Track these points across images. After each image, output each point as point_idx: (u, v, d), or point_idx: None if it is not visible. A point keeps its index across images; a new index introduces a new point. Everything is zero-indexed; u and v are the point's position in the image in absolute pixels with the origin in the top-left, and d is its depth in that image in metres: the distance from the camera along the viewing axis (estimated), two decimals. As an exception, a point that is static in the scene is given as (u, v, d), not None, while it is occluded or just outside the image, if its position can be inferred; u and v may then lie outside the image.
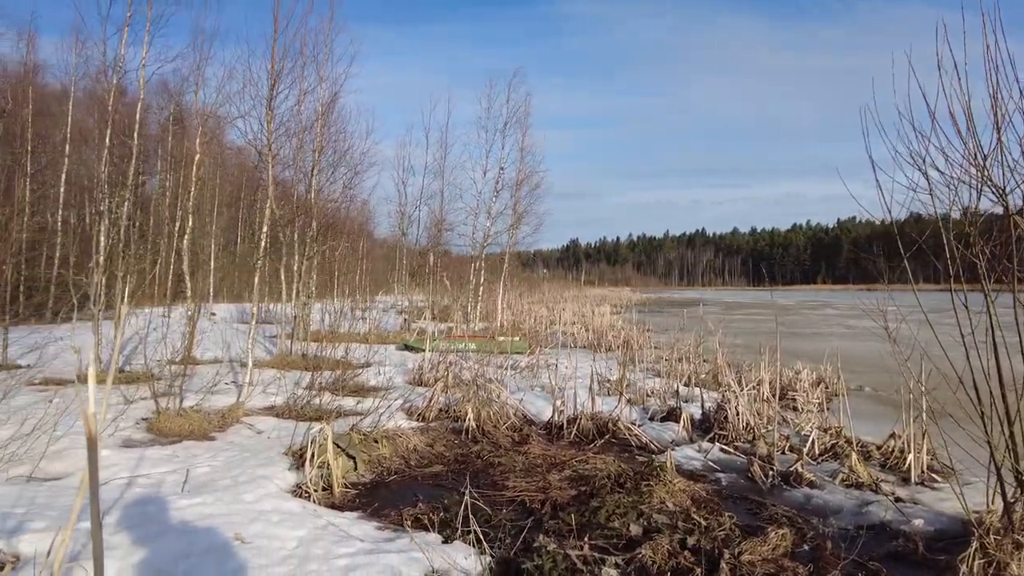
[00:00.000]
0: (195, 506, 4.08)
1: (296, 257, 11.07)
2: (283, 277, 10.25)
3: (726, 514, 4.44)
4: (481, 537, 3.57)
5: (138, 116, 9.64)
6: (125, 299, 7.06)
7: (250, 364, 7.89)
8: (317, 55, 11.33)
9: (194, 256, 10.55)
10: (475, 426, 6.70)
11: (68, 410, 6.65)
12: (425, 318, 14.17)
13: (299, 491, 4.67)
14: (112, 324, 9.76)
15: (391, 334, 16.51)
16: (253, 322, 8.53)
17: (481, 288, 17.04)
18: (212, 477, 4.79)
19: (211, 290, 19.19)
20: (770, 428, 6.98)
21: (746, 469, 5.73)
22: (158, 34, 9.69)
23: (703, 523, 4.23)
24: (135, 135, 9.37)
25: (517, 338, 14.23)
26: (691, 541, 3.90)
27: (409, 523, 4.17)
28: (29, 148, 19.26)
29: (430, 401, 7.27)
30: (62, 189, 19.16)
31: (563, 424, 6.83)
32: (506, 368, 9.21)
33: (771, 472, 5.52)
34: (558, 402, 7.04)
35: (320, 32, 11.45)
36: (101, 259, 8.66)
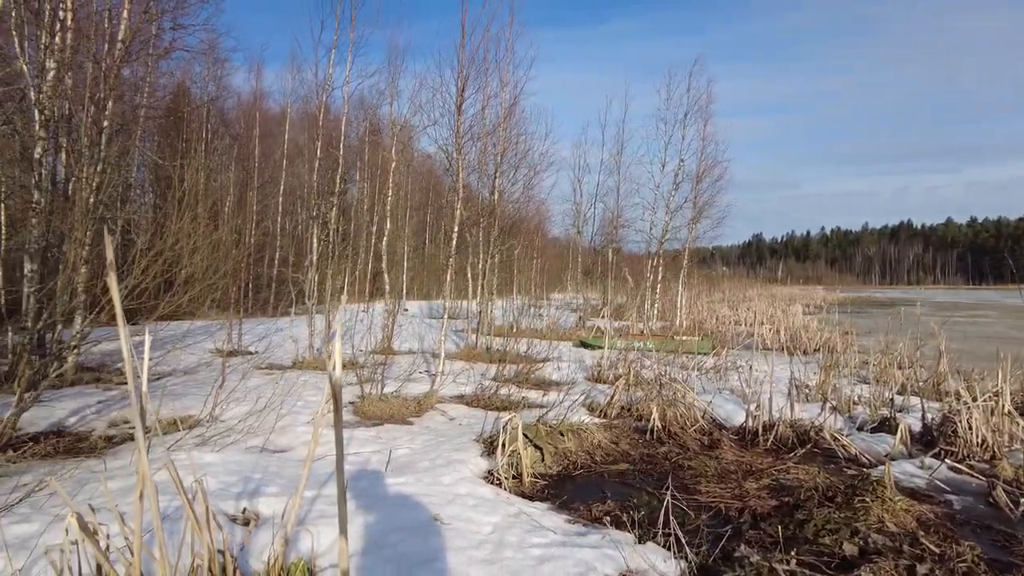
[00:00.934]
0: (399, 485, 4.36)
1: (480, 256, 11.54)
2: (469, 275, 10.75)
3: (965, 543, 3.82)
4: (683, 541, 3.40)
5: (343, 129, 10.66)
6: (344, 293, 7.75)
7: (442, 356, 8.35)
8: (499, 61, 11.70)
9: (391, 256, 11.43)
10: (660, 426, 6.48)
11: (291, 391, 7.52)
12: (603, 316, 14.06)
13: (491, 477, 4.81)
14: (322, 317, 10.89)
15: (566, 331, 16.66)
16: (445, 317, 9.02)
17: (658, 286, 16.55)
18: (412, 459, 5.10)
19: (404, 288, 20.73)
20: (1015, 447, 5.94)
21: (986, 493, 4.92)
22: (359, 54, 10.63)
23: (935, 550, 3.68)
24: (340, 147, 10.37)
25: (699, 338, 13.63)
26: (922, 570, 3.41)
27: (599, 519, 4.11)
28: (256, 165, 22.23)
29: (612, 398, 7.16)
30: (280, 199, 21.83)
31: (758, 430, 6.36)
32: (690, 369, 8.81)
33: (1022, 500, 4.68)
34: (751, 406, 6.57)
35: (501, 39, 11.82)
36: (314, 259, 9.69)
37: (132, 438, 5.88)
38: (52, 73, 7.97)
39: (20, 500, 3.98)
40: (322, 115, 10.23)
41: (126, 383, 8.25)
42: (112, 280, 1.75)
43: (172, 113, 19.81)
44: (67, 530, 2.62)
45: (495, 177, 11.19)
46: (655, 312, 16.39)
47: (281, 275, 13.99)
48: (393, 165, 10.52)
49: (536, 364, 9.56)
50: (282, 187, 20.24)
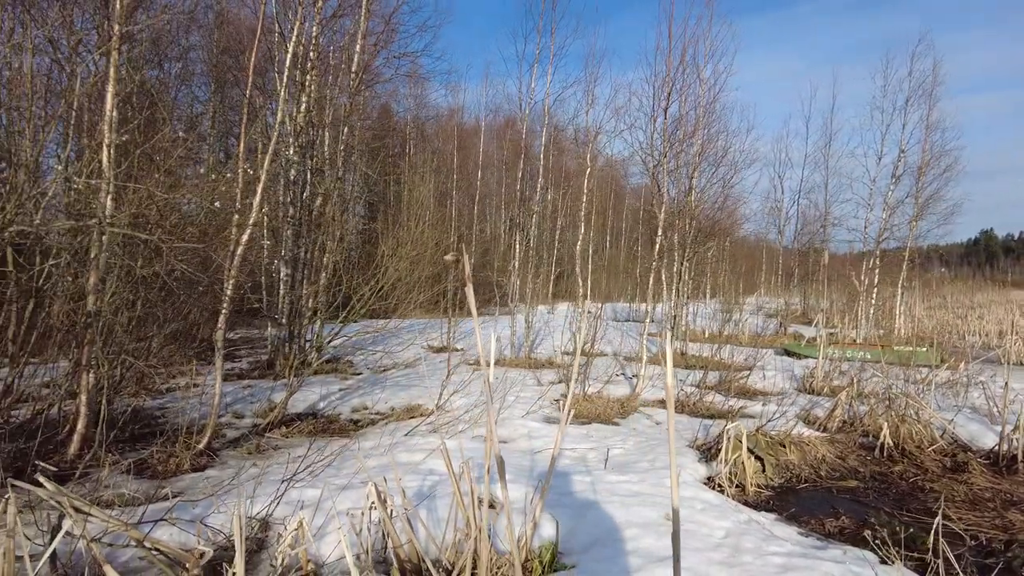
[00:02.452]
0: (622, 483, 4.49)
1: (676, 259, 11.37)
2: (664, 277, 10.66)
3: None
4: (958, 568, 3.14)
5: (543, 138, 11.11)
6: (542, 295, 8.12)
7: (644, 360, 8.38)
8: (697, 58, 11.46)
9: (584, 260, 11.69)
10: (891, 443, 5.95)
11: (498, 387, 7.99)
12: (817, 323, 13.08)
13: (711, 483, 4.77)
14: (518, 318, 11.43)
15: (766, 337, 15.78)
16: (647, 322, 9.05)
17: (875, 289, 15.02)
18: (627, 459, 5.21)
19: (587, 290, 21.02)
20: None
21: None
22: (560, 64, 11.00)
23: None
24: (540, 156, 10.83)
25: (923, 348, 12.19)
26: None
27: (833, 535, 3.92)
28: (454, 177, 23.86)
29: (832, 411, 6.70)
30: (475, 207, 23.23)
31: (1016, 455, 5.59)
32: (922, 383, 7.95)
33: None
34: (1007, 428, 5.79)
35: (700, 36, 11.56)
36: (516, 264, 10.23)
37: (374, 422, 6.67)
38: (304, 105, 9.26)
39: (321, 469, 4.69)
40: (524, 127, 10.79)
41: (359, 374, 9.28)
42: (469, 290, 2.06)
43: (379, 131, 21.96)
44: (368, 496, 3.10)
45: (692, 177, 10.98)
46: (870, 319, 14.92)
47: (487, 278, 14.91)
48: (588, 171, 10.73)
49: (740, 371, 9.22)
50: (476, 195, 21.56)
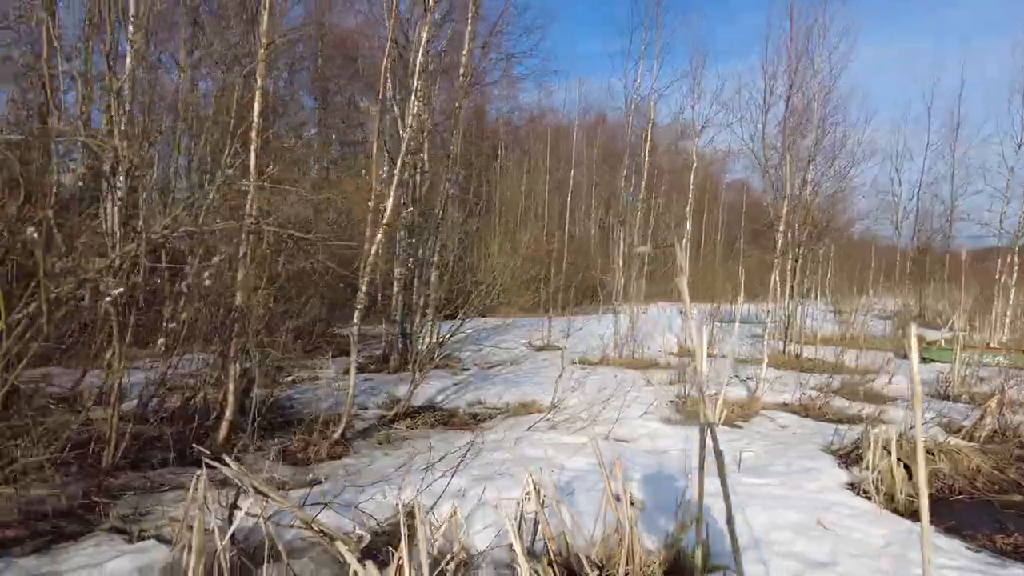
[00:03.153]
0: (761, 486, 4.34)
1: (789, 257, 10.89)
2: (776, 276, 10.23)
3: None
4: None
5: (648, 134, 10.94)
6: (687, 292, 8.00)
7: (765, 362, 8.09)
8: (809, 46, 10.92)
9: (688, 258, 11.43)
10: (1056, 456, 5.44)
11: (607, 385, 7.92)
12: (952, 325, 12.13)
13: (855, 489, 4.53)
14: (622, 317, 11.30)
15: (879, 339, 14.82)
16: (768, 321, 8.74)
17: (1012, 289, 13.77)
18: (760, 462, 5.04)
19: (687, 290, 20.43)
20: None
21: None
22: (666, 59, 10.81)
23: None
24: (644, 152, 10.67)
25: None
26: None
27: (1008, 553, 3.63)
28: (547, 176, 23.92)
29: (980, 419, 6.21)
30: (567, 206, 23.16)
31: None
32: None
33: None
34: None
35: (814, 23, 11.01)
36: (621, 262, 10.14)
37: (491, 417, 6.78)
38: (415, 108, 9.54)
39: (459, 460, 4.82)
40: (630, 122, 10.67)
41: (467, 370, 9.45)
42: (683, 282, 2.06)
43: (473, 130, 22.33)
44: (525, 486, 3.15)
45: (807, 170, 10.47)
46: (1007, 321, 13.70)
47: (586, 277, 14.90)
48: (694, 166, 10.45)
49: (867, 374, 8.72)
50: (569, 194, 21.51)
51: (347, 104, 20.32)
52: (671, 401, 7.57)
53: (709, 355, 11.62)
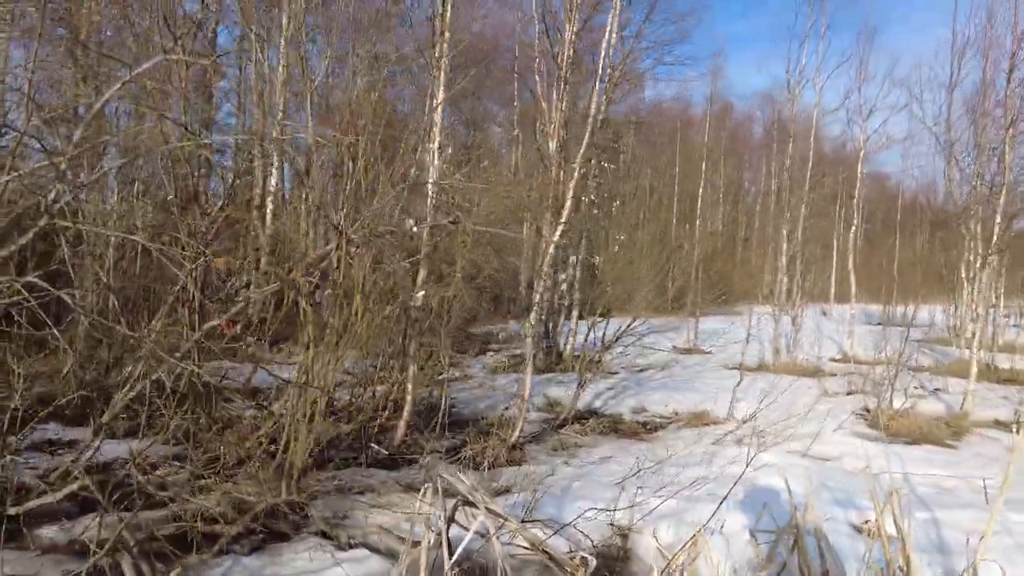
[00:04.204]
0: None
1: (977, 255, 9.63)
2: (963, 275, 9.05)
3: None
4: None
5: (815, 120, 10.05)
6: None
7: (973, 373, 7.11)
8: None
9: (855, 254, 10.43)
10: None
11: (779, 393, 7.26)
12: None
13: None
14: (783, 319, 10.47)
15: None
16: (993, 325, 7.73)
17: None
18: (1013, 494, 4.30)
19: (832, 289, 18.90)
20: None
21: None
22: (834, 38, 9.87)
23: None
24: (811, 139, 9.80)
25: None
26: None
27: None
28: (677, 170, 23.03)
29: None
30: (698, 201, 22.14)
31: None
32: None
33: None
34: None
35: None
36: (783, 261, 9.36)
37: (662, 426, 6.38)
38: (564, 103, 9.28)
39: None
40: (794, 109, 9.81)
41: (614, 373, 9.05)
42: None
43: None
44: (795, 515, 2.73)
45: (1005, 155, 9.15)
46: None
47: (726, 273, 14.10)
48: (863, 153, 9.47)
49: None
50: (701, 188, 20.51)
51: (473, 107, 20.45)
52: (857, 414, 6.82)
53: (878, 363, 10.54)
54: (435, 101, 4.83)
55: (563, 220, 5.02)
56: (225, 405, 5.56)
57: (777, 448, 5.31)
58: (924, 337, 14.40)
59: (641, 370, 9.27)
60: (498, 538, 2.83)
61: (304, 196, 4.12)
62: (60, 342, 4.58)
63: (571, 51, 9.17)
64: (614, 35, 9.72)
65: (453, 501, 3.11)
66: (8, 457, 3.65)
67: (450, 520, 3.20)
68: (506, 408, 7.04)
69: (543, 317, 9.48)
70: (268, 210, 11.23)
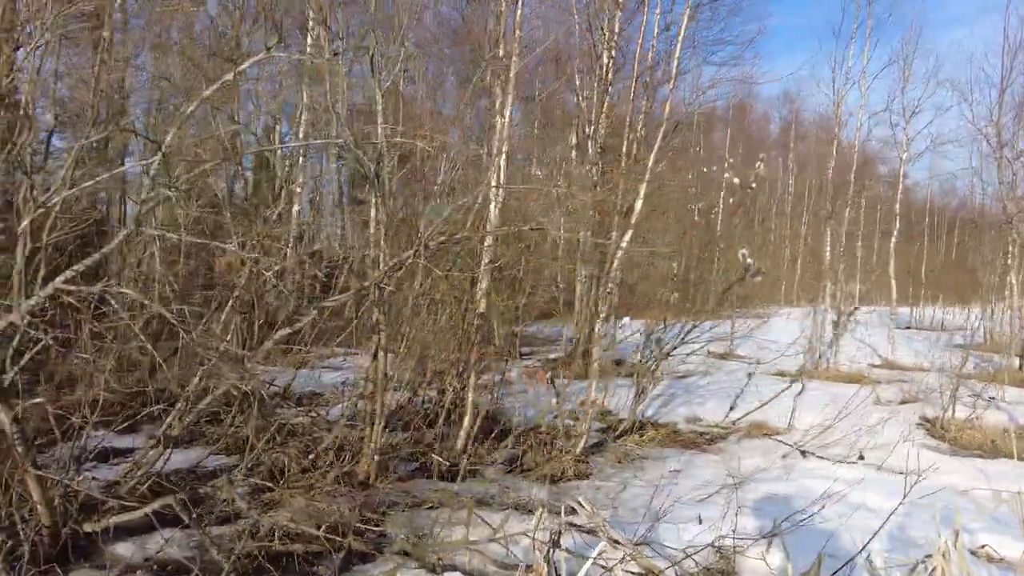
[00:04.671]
0: None
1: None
2: (1014, 279, 8.86)
3: None
4: None
5: (859, 123, 9.85)
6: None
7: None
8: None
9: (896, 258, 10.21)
10: None
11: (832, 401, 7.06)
12: None
13: None
14: (827, 320, 10.27)
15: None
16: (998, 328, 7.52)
17: None
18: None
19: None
20: None
21: None
22: (881, 37, 9.69)
23: None
24: (856, 141, 9.61)
25: None
26: None
27: None
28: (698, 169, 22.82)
29: None
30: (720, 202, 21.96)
31: None
32: None
33: None
34: None
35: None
36: (832, 259, 9.17)
37: (723, 437, 6.21)
38: (605, 104, 9.12)
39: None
40: (839, 110, 9.60)
41: (660, 380, 8.86)
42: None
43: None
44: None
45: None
46: None
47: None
48: (905, 155, 9.27)
49: None
50: (723, 188, 20.35)
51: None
52: (918, 424, 6.63)
53: (922, 369, 10.33)
54: (502, 102, 4.67)
55: (633, 222, 4.85)
56: (277, 412, 5.44)
57: (847, 460, 5.14)
58: (964, 343, 14.14)
59: (683, 376, 9.09)
60: (620, 566, 2.68)
61: (375, 201, 3.95)
62: (123, 349, 4.47)
63: (612, 55, 9.02)
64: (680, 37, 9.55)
65: (557, 523, 2.96)
66: (81, 472, 3.52)
67: (555, 544, 3.06)
68: (554, 416, 6.90)
69: (585, 320, 9.33)
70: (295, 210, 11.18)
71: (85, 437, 3.55)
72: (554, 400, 5.71)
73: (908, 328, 18.92)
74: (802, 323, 11.93)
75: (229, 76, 2.68)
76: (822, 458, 5.32)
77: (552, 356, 10.36)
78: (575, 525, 2.99)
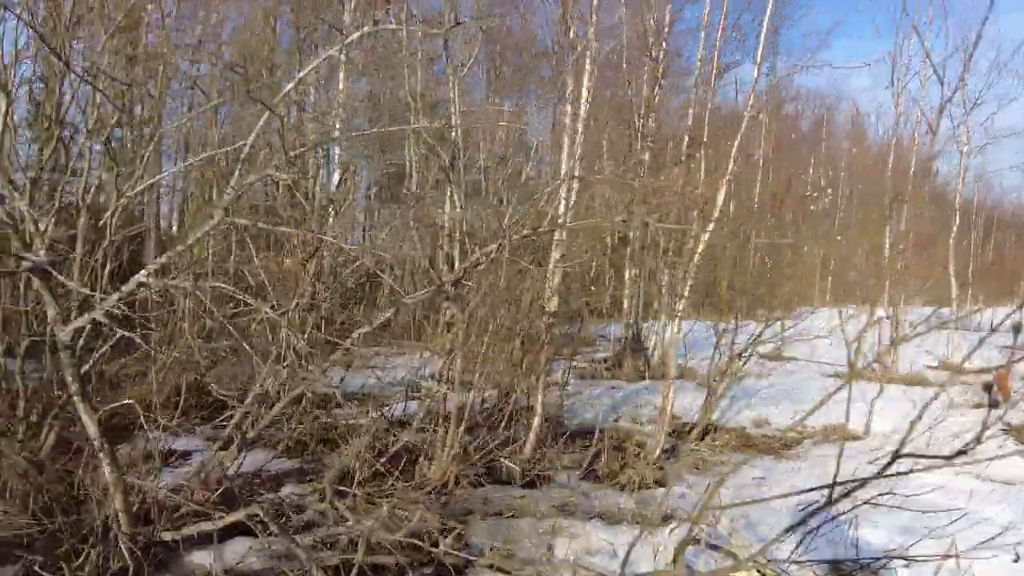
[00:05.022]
0: None
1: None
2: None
3: None
4: None
5: (935, 118, 9.43)
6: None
7: None
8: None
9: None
10: None
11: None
12: None
13: None
14: (884, 321, 9.91)
15: None
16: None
17: None
18: None
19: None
20: None
21: None
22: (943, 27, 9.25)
23: None
24: (915, 138, 9.24)
25: None
26: None
27: None
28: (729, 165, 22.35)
29: None
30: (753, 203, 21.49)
31: None
32: None
33: None
34: None
35: None
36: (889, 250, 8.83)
37: (797, 442, 5.94)
38: (657, 97, 8.86)
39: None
40: (899, 105, 9.23)
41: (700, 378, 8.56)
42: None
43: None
44: None
45: None
46: None
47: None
48: (966, 148, 8.89)
49: None
50: (758, 188, 19.93)
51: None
52: (1002, 430, 6.30)
53: (969, 371, 9.91)
54: (580, 89, 4.45)
55: (714, 217, 4.61)
56: (335, 412, 5.26)
57: (946, 469, 4.83)
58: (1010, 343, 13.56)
59: (740, 378, 8.79)
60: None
61: (450, 192, 3.74)
62: (190, 352, 4.31)
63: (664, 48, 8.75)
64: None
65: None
66: (160, 477, 3.34)
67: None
68: (616, 419, 6.66)
69: (633, 320, 9.08)
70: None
71: (162, 441, 3.38)
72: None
73: (954, 328, 18.36)
74: (852, 324, 11.52)
75: (334, 50, 2.49)
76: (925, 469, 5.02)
77: (600, 356, 10.10)
78: (696, 540, 2.75)
